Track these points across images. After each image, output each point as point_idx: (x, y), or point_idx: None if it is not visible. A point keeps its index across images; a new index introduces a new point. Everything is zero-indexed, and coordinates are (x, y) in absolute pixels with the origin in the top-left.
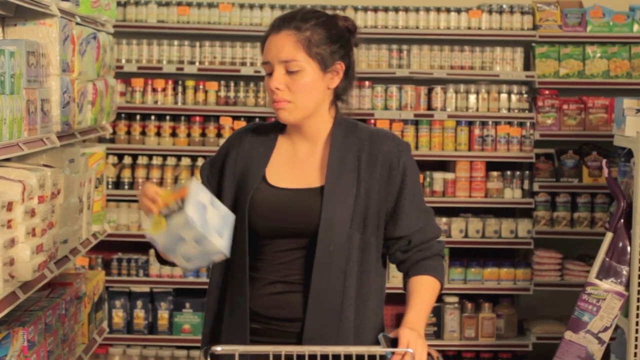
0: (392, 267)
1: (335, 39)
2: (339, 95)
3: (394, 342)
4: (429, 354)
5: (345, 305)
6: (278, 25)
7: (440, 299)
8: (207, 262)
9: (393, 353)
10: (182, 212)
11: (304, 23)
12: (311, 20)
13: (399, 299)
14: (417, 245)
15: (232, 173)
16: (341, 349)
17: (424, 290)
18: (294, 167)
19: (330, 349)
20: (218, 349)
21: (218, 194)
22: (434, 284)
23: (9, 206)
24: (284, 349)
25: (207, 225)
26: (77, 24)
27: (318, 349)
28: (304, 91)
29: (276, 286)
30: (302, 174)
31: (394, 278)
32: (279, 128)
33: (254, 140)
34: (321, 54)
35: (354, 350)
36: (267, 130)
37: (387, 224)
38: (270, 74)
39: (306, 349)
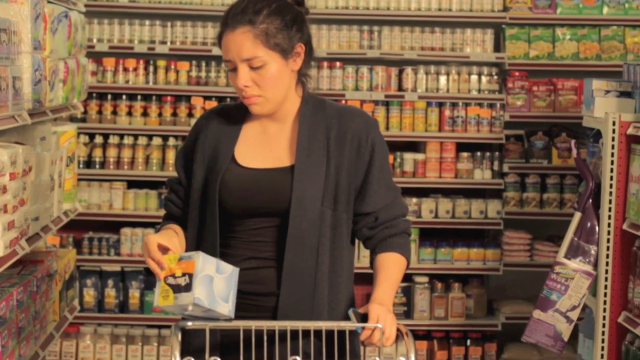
0: (363, 248)
1: (291, 23)
2: (303, 73)
3: (363, 318)
4: (397, 329)
5: (318, 282)
6: (232, 23)
7: (410, 278)
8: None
9: (363, 328)
10: (190, 293)
11: (256, 15)
12: (263, 11)
13: (370, 279)
14: (384, 222)
15: (201, 155)
16: (311, 324)
17: (391, 266)
18: (263, 146)
19: (301, 324)
20: (189, 324)
21: (189, 178)
22: (401, 261)
23: None
24: (254, 324)
25: (214, 298)
26: (49, 2)
27: (289, 324)
28: (271, 84)
29: (250, 262)
30: (272, 153)
31: (364, 258)
32: (246, 108)
33: (221, 121)
34: (280, 44)
35: (325, 325)
36: (234, 111)
37: (355, 199)
38: (233, 70)
39: (277, 324)
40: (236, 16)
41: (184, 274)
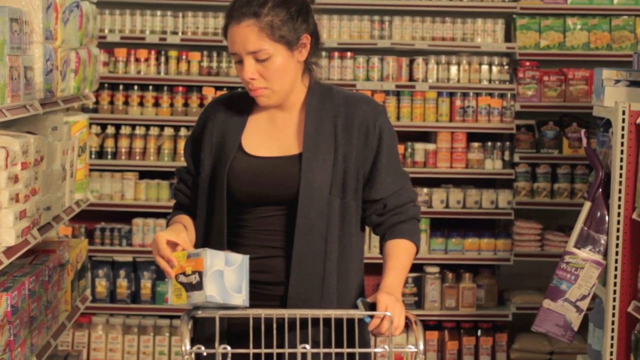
0: (374, 238)
1: (296, 14)
2: (309, 62)
3: (372, 307)
4: (406, 318)
5: (327, 270)
6: (237, 16)
7: (421, 269)
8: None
9: (371, 317)
10: (202, 291)
11: (261, 8)
12: (268, 3)
13: (381, 269)
14: (393, 208)
15: (209, 144)
16: (321, 312)
17: (400, 253)
18: (270, 135)
19: (310, 312)
20: (199, 312)
21: (198, 166)
22: (410, 247)
23: None
24: (263, 312)
25: (226, 292)
26: None
27: (298, 312)
28: (277, 76)
29: (259, 251)
30: (279, 142)
31: (375, 248)
32: (253, 97)
33: (228, 110)
34: (285, 36)
35: (333, 313)
36: (241, 99)
37: (364, 187)
38: (239, 62)
39: (286, 312)
40: (241, 8)
41: (194, 272)
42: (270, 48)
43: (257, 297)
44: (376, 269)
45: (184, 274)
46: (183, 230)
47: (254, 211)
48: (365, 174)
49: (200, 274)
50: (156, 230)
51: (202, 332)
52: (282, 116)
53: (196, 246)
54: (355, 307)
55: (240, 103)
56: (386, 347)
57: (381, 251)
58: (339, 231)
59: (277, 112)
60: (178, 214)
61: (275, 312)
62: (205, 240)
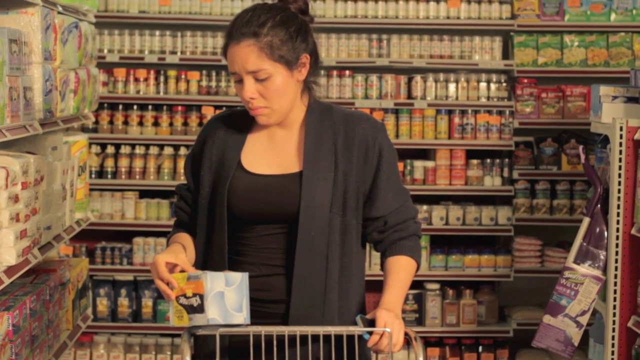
0: (375, 255)
1: (295, 34)
2: (309, 82)
3: (371, 324)
4: (406, 334)
5: (328, 288)
6: (236, 36)
7: (421, 285)
8: None
9: (370, 334)
10: (204, 314)
11: (261, 28)
12: (267, 23)
13: (381, 286)
14: (394, 225)
15: (209, 161)
16: (321, 329)
17: (400, 270)
18: (270, 153)
19: (310, 329)
20: (200, 330)
21: (198, 184)
22: (411, 264)
23: None
24: (264, 329)
25: (227, 313)
26: (59, 12)
27: (298, 329)
28: (277, 95)
29: (260, 269)
30: (279, 160)
31: (375, 265)
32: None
33: (227, 128)
34: (285, 56)
35: (333, 330)
36: (241, 117)
37: (364, 204)
38: (239, 81)
39: (286, 329)
40: (241, 28)
41: (194, 294)
42: (269, 68)
43: (258, 315)
44: (376, 286)
45: (184, 295)
46: (182, 251)
47: (254, 229)
48: (365, 191)
49: (201, 296)
50: (157, 249)
51: (203, 349)
52: (282, 134)
53: (196, 264)
54: (355, 324)
55: (239, 121)
56: None
57: (382, 267)
58: (339, 249)
59: (277, 130)
60: (178, 232)
61: (275, 329)
62: (205, 258)
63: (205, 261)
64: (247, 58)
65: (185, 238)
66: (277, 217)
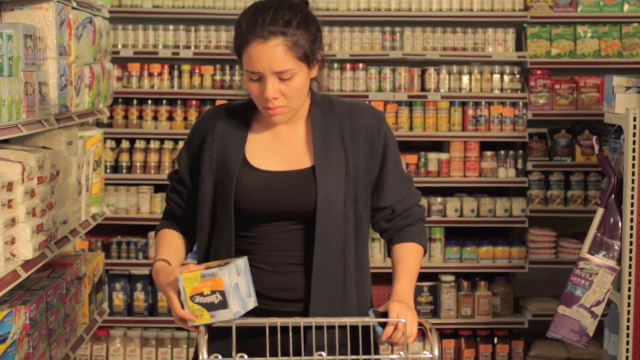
0: (375, 247)
1: (316, 32)
2: (316, 77)
3: (384, 316)
4: (421, 325)
5: (347, 283)
6: (265, 34)
7: (436, 277)
8: None
9: (383, 328)
10: (228, 309)
11: (287, 27)
12: (293, 22)
13: (380, 279)
14: (401, 213)
15: (209, 159)
16: (336, 320)
17: (410, 258)
18: (275, 148)
19: (325, 320)
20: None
21: (197, 181)
22: (418, 250)
23: (9, 186)
24: (279, 321)
25: (243, 302)
26: (73, 8)
27: (313, 320)
28: (297, 94)
29: (275, 267)
30: (285, 155)
31: (374, 257)
32: (253, 108)
33: (227, 122)
34: (307, 54)
35: (348, 321)
36: (239, 110)
37: (372, 194)
38: (257, 80)
39: (301, 320)
40: (268, 27)
41: (213, 292)
42: (295, 67)
43: (275, 314)
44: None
45: (201, 294)
46: (182, 259)
47: (262, 227)
48: (372, 182)
49: (222, 293)
50: None
51: (218, 341)
52: (286, 129)
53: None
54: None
55: (239, 114)
56: (402, 353)
57: (389, 254)
58: (354, 242)
59: (281, 125)
60: (167, 227)
61: (290, 321)
62: (209, 258)
63: (209, 262)
64: (275, 57)
65: (174, 237)
66: (292, 214)
